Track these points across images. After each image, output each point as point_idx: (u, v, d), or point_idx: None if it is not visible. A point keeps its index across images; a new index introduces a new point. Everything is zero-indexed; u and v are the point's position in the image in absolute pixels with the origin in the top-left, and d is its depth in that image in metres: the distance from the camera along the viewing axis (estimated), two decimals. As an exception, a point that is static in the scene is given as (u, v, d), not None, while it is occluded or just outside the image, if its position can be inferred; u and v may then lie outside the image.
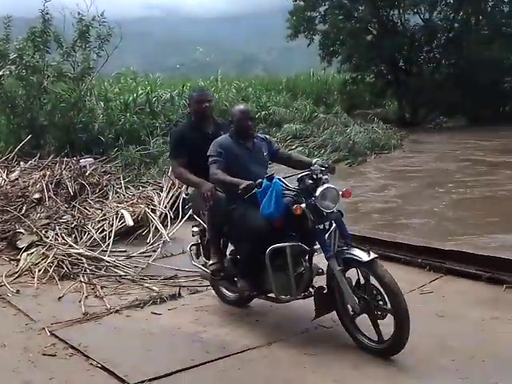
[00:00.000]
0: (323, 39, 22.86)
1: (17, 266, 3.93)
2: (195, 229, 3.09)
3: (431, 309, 2.73)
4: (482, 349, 2.29)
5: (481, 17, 20.86)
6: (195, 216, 3.12)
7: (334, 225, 2.56)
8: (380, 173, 11.90)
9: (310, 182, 2.58)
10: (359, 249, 2.48)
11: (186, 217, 4.80)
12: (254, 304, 2.96)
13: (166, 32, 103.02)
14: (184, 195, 4.02)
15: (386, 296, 2.33)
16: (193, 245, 3.14)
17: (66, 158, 6.66)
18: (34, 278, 3.69)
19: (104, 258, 4.02)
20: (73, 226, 4.74)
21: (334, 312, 2.60)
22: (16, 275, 3.75)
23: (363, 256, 2.41)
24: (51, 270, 3.75)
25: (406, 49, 22.21)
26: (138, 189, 5.95)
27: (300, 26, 22.73)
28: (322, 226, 2.54)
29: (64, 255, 4.00)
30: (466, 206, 7.36)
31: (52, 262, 3.86)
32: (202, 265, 3.02)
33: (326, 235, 2.52)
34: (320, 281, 2.66)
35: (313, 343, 2.46)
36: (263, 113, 16.85)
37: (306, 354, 2.36)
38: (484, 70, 19.36)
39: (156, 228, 4.59)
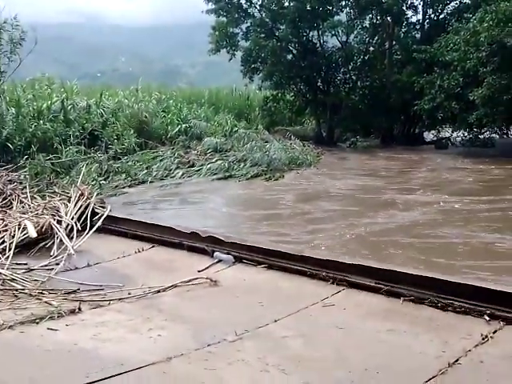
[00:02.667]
0: (245, 56, 23.14)
1: None
2: None
3: (331, 321, 2.78)
4: (376, 361, 2.35)
5: (394, 42, 21.96)
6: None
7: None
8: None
9: None
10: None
11: (94, 228, 4.67)
12: (157, 317, 2.90)
13: (86, 39, 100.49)
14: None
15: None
16: None
17: (-33, 166, 6.31)
18: None
19: (0, 270, 3.80)
20: (-31, 236, 4.46)
21: (238, 324, 2.65)
22: None
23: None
24: None
25: (324, 69, 22.96)
26: (45, 199, 5.71)
27: (222, 41, 22.91)
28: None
29: (-43, 268, 3.75)
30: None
31: None
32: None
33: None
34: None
35: (213, 358, 2.42)
36: (184, 126, 16.79)
37: (206, 368, 2.33)
38: (396, 93, 20.40)
39: (61, 240, 4.40)
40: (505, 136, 19.93)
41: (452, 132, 20.75)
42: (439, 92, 18.11)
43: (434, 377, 2.19)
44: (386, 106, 20.80)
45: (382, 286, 3.12)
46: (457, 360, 2.31)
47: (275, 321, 2.82)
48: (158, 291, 3.26)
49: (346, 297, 3.13)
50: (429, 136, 22.53)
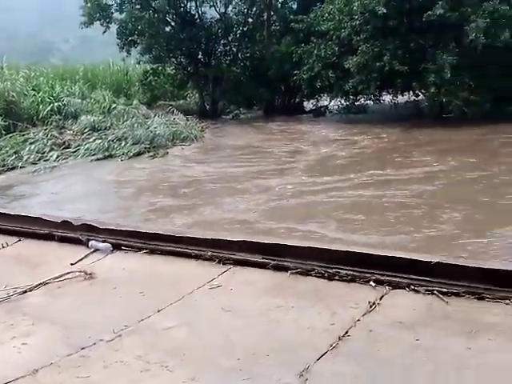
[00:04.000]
0: (120, 28, 22.16)
1: None
2: None
3: (218, 304, 2.62)
4: (265, 343, 2.23)
5: (272, 12, 22.08)
6: None
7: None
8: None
9: None
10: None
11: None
12: (21, 322, 2.56)
13: None
14: None
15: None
16: None
17: None
18: None
19: None
20: None
21: (116, 320, 2.41)
22: None
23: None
24: None
25: (204, 41, 22.60)
26: None
27: (95, 13, 21.75)
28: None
29: None
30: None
31: None
32: None
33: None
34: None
35: (87, 363, 2.16)
36: (56, 104, 15.74)
37: (79, 376, 2.06)
38: (275, 64, 20.60)
39: None
40: (378, 102, 20.93)
41: (330, 100, 21.43)
42: (316, 61, 18.54)
43: (325, 353, 2.10)
44: (266, 77, 20.96)
45: (269, 261, 3.00)
46: (346, 332, 2.24)
47: (158, 311, 2.60)
48: (25, 291, 2.89)
49: (232, 276, 2.98)
50: (309, 105, 23.11)
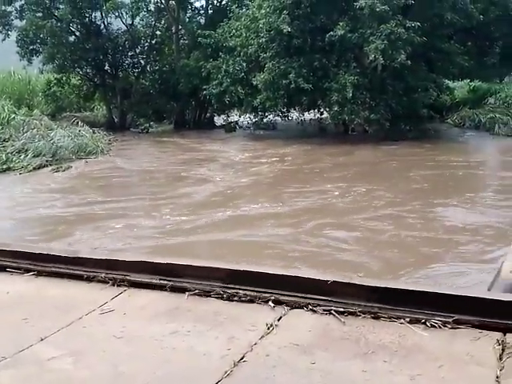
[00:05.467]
0: (21, 36, 21.16)
1: None
2: None
3: (109, 330, 2.45)
4: (158, 372, 2.10)
5: (180, 26, 21.97)
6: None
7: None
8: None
9: None
10: None
11: None
12: None
13: None
14: None
15: None
16: None
17: None
18: None
19: None
20: None
21: None
22: None
23: None
24: None
25: (110, 52, 22.04)
26: None
27: (-6, 20, 20.66)
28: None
29: None
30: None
31: None
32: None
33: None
34: None
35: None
36: None
37: None
38: (184, 78, 20.48)
39: None
40: (286, 119, 21.39)
41: (240, 116, 21.62)
42: (225, 77, 18.66)
43: (219, 381, 2.01)
44: (176, 90, 20.77)
45: (166, 283, 2.87)
46: (242, 357, 2.16)
47: (42, 339, 2.39)
48: None
49: (127, 299, 2.81)
50: (219, 120, 23.16)
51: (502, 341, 2.21)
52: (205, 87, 19.45)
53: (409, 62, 16.03)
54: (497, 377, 1.98)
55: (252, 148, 17.54)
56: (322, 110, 19.68)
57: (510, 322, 2.29)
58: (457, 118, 22.31)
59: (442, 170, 13.51)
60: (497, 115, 19.78)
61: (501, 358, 2.10)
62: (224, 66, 18.81)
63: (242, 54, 18.47)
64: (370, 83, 16.95)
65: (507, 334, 2.26)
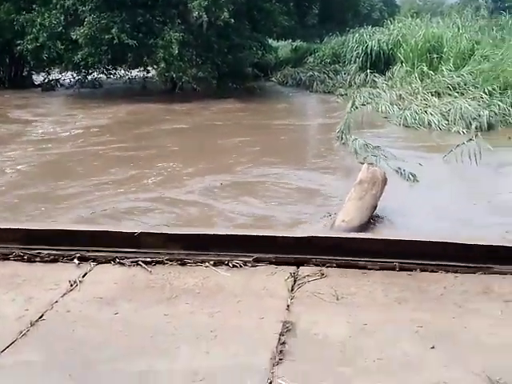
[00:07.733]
0: None
1: None
2: None
3: None
4: None
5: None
6: None
7: None
8: None
9: None
10: None
11: None
12: None
13: None
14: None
15: None
16: None
17: None
18: None
19: None
20: None
21: None
22: None
23: None
24: None
25: None
26: None
27: None
28: None
29: None
30: None
31: None
32: None
33: None
34: None
35: None
36: None
37: None
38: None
39: None
40: (112, 76, 20.48)
41: (61, 73, 20.20)
42: (41, 31, 17.21)
43: (12, 343, 1.91)
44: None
45: None
46: (41, 316, 2.08)
47: None
48: None
49: None
50: (39, 78, 21.42)
51: (295, 273, 2.41)
52: (19, 42, 17.76)
53: (232, 20, 16.23)
54: (287, 306, 2.15)
55: (67, 107, 16.27)
56: (148, 67, 19.16)
57: (301, 256, 2.49)
58: (280, 76, 23.22)
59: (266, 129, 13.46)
60: (315, 73, 20.98)
61: (292, 289, 2.28)
62: (39, 20, 17.30)
63: (58, 6, 17.13)
64: (195, 40, 16.86)
65: (300, 267, 2.46)
